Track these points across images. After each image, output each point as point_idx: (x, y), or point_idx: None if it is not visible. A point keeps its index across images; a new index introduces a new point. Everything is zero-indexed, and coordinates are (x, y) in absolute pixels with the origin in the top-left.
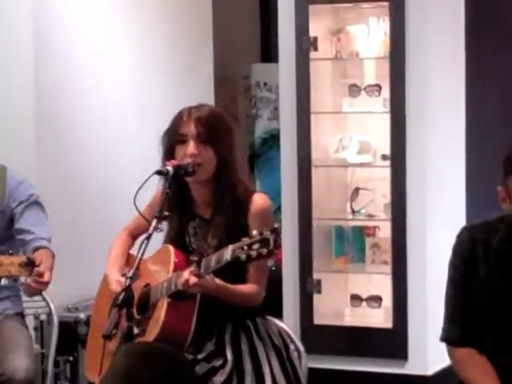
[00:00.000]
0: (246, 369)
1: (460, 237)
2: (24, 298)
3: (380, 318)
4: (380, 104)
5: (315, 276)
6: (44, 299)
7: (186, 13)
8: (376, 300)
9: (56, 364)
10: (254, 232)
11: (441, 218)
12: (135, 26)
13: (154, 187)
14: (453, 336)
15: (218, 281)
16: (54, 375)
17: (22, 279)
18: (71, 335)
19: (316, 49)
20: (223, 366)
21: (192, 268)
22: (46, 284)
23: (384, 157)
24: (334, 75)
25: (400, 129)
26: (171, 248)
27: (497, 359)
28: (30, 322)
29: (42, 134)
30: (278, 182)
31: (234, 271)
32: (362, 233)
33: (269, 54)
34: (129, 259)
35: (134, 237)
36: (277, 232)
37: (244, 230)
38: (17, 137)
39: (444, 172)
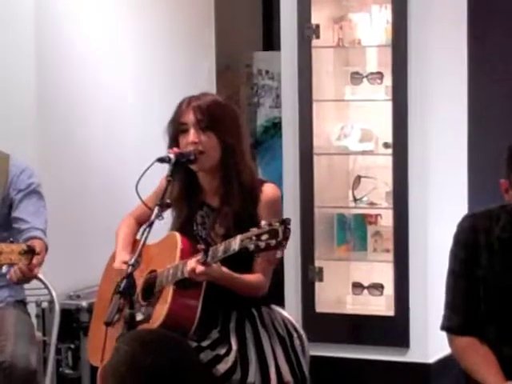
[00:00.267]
0: (250, 357)
1: (462, 224)
2: (26, 285)
3: (381, 305)
4: (382, 92)
5: (317, 264)
6: (46, 287)
7: (187, 1)
8: (378, 288)
9: (58, 351)
10: (263, 222)
11: (443, 206)
12: (137, 14)
13: (156, 175)
14: (453, 324)
15: (224, 269)
16: (56, 362)
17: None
18: (73, 323)
19: (318, 37)
20: (227, 353)
21: (199, 256)
22: (32, 278)
23: (386, 145)
24: (336, 63)
25: (402, 117)
26: (178, 235)
27: (499, 348)
28: (32, 309)
29: (43, 123)
30: (279, 170)
31: (241, 260)
32: (363, 221)
33: (271, 41)
34: (134, 244)
35: (138, 222)
36: (286, 223)
37: (252, 219)
38: (18, 125)
39: (446, 160)
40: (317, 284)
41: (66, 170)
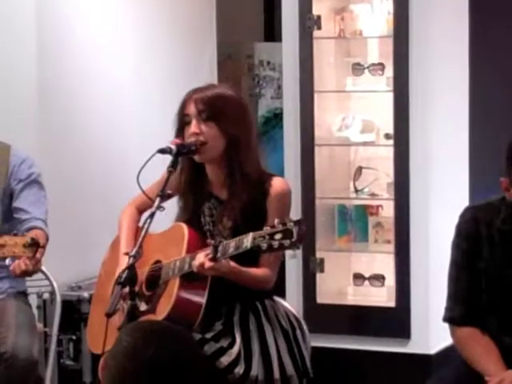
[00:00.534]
0: (254, 350)
1: (463, 216)
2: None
3: (383, 296)
4: (383, 83)
5: (318, 255)
6: (47, 278)
7: None
8: (379, 279)
9: (59, 343)
10: (276, 221)
11: (444, 197)
12: (137, 4)
13: (156, 166)
14: (455, 315)
15: (232, 264)
16: (57, 354)
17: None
18: (74, 314)
19: (319, 28)
20: (231, 346)
21: (208, 251)
22: (36, 272)
23: (387, 136)
24: (337, 54)
25: (403, 108)
26: (185, 227)
27: (500, 339)
28: (33, 300)
29: (43, 114)
30: (280, 161)
31: (248, 253)
32: (364, 212)
33: (272, 32)
34: (137, 233)
35: (140, 211)
36: (300, 224)
37: (261, 213)
38: (19, 116)
39: (447, 151)
40: (318, 275)
41: (67, 161)
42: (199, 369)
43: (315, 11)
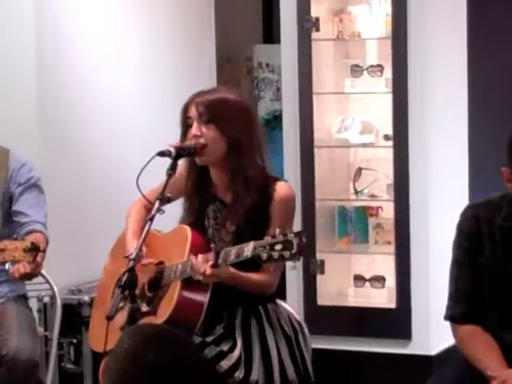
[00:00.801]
0: (255, 355)
1: (464, 214)
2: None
3: (383, 298)
4: (382, 84)
5: (318, 257)
6: (47, 281)
7: None
8: (379, 280)
9: (60, 346)
10: (277, 231)
11: (444, 197)
12: (136, 9)
13: (157, 170)
14: (457, 313)
15: (232, 270)
16: (58, 357)
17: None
18: (75, 317)
19: (318, 29)
20: (232, 350)
21: (210, 257)
22: (36, 276)
23: (386, 137)
24: (335, 56)
25: (402, 109)
26: (188, 228)
27: (500, 336)
28: (34, 304)
29: (43, 124)
30: (280, 163)
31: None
32: (364, 213)
33: (271, 34)
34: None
35: (147, 209)
36: (301, 236)
37: (264, 217)
38: (19, 125)
39: (446, 151)
40: (318, 277)
41: (67, 166)
42: (199, 373)
43: (313, 13)
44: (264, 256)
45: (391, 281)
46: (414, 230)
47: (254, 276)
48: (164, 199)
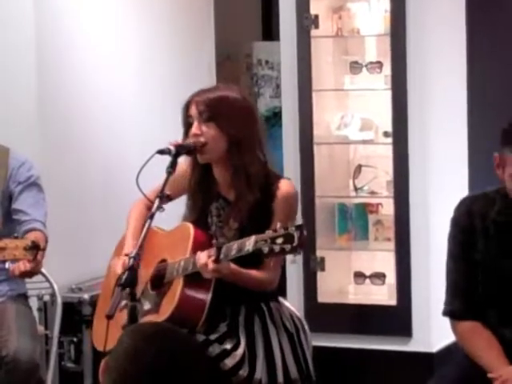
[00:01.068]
0: (258, 353)
1: (458, 208)
2: (27, 279)
3: (384, 295)
4: (381, 81)
5: (318, 254)
6: (47, 280)
7: None
8: (379, 277)
9: (60, 345)
10: (278, 226)
11: (443, 193)
12: (135, 7)
13: (157, 168)
14: (455, 309)
15: (232, 266)
16: (58, 356)
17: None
18: (75, 316)
19: (317, 26)
20: (235, 348)
21: (212, 252)
22: (36, 273)
23: (386, 134)
24: (335, 53)
25: (402, 106)
26: (191, 226)
27: (499, 331)
28: (34, 302)
29: (43, 122)
30: (280, 160)
31: (250, 254)
32: (364, 210)
33: (270, 31)
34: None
35: (149, 209)
36: (302, 229)
37: (267, 215)
38: (19, 117)
39: (446, 148)
40: (318, 274)
41: (67, 164)
42: (200, 370)
43: (313, 10)
44: (265, 250)
45: (391, 277)
46: (413, 227)
47: (254, 273)
48: (163, 197)
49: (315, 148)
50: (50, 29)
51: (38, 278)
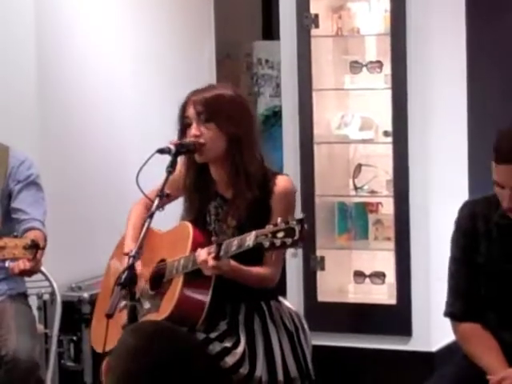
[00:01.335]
0: (258, 351)
1: (461, 211)
2: (27, 278)
3: (383, 294)
4: (381, 80)
5: (318, 253)
6: (47, 279)
7: None
8: (379, 276)
9: (60, 344)
10: (279, 220)
11: (443, 193)
12: (136, 4)
13: (157, 166)
14: (456, 311)
15: (233, 263)
16: (58, 355)
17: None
18: (75, 314)
19: (317, 26)
20: (235, 346)
21: (212, 249)
22: (36, 272)
23: (386, 133)
24: (335, 52)
25: (402, 105)
26: (190, 225)
27: (499, 334)
28: (33, 301)
29: (43, 115)
30: (280, 159)
31: (251, 252)
32: (364, 209)
33: (270, 31)
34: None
35: (149, 209)
36: (303, 222)
37: (265, 211)
38: (19, 120)
39: (446, 147)
40: (318, 273)
41: (67, 162)
42: (200, 369)
43: (313, 10)
44: (266, 244)
45: (391, 277)
46: (413, 226)
47: (255, 269)
48: (163, 196)
49: (315, 147)
50: (49, 21)
51: (38, 276)
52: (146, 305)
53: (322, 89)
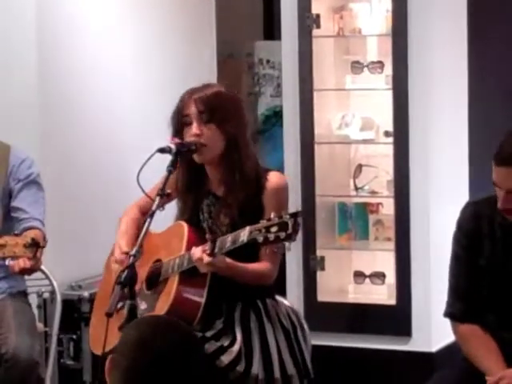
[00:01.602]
0: (255, 349)
1: (464, 211)
2: (27, 276)
3: (383, 294)
4: (383, 81)
5: (318, 253)
6: (47, 277)
7: None
8: (379, 277)
9: (59, 342)
10: (273, 215)
11: (444, 194)
12: (137, 4)
13: (157, 165)
14: (456, 311)
15: (228, 260)
16: (58, 353)
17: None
18: (74, 313)
19: (318, 26)
20: (232, 344)
21: (206, 247)
22: (35, 271)
23: (387, 133)
24: (336, 52)
25: (403, 105)
26: (185, 225)
27: (499, 334)
28: (33, 300)
29: (45, 112)
30: (280, 159)
31: (247, 249)
32: (365, 209)
33: (272, 31)
34: (138, 235)
35: (143, 213)
36: (296, 216)
37: (258, 208)
38: (20, 115)
39: (447, 147)
40: (318, 273)
41: (68, 159)
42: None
43: (314, 10)
44: (260, 239)
45: (391, 277)
46: (414, 227)
47: (251, 266)
48: (164, 195)
49: (316, 147)
50: (51, 17)
51: (38, 275)
52: (143, 305)
53: (323, 89)
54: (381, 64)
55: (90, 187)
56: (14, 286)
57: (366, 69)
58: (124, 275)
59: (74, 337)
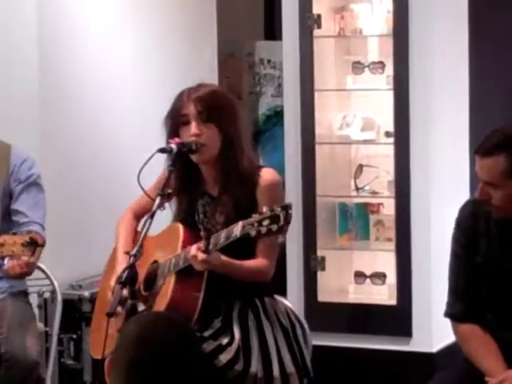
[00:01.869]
0: (253, 347)
1: (463, 210)
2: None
3: (384, 294)
4: (383, 81)
5: (319, 253)
6: (47, 277)
7: None
8: (380, 277)
9: (60, 342)
10: (265, 208)
11: (444, 194)
12: (137, 3)
13: (158, 166)
14: (456, 311)
15: (223, 257)
16: (58, 353)
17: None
18: (75, 313)
19: (319, 26)
20: (230, 343)
21: (200, 244)
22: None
23: (387, 134)
24: (337, 53)
25: (403, 106)
26: (180, 226)
27: (499, 333)
28: (34, 299)
29: (45, 111)
30: (281, 159)
31: (243, 246)
32: (365, 210)
33: (273, 31)
34: (135, 238)
35: (137, 217)
36: (287, 208)
37: (252, 205)
38: (20, 114)
39: (448, 148)
40: (319, 273)
41: (68, 159)
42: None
43: (315, 10)
44: (252, 233)
45: (392, 277)
46: (414, 227)
47: (247, 262)
48: (165, 195)
49: (317, 147)
50: (52, 10)
51: (39, 274)
52: (140, 306)
53: (323, 89)
54: (382, 64)
55: (90, 187)
56: (15, 285)
57: (366, 69)
58: (124, 275)
59: (75, 337)
